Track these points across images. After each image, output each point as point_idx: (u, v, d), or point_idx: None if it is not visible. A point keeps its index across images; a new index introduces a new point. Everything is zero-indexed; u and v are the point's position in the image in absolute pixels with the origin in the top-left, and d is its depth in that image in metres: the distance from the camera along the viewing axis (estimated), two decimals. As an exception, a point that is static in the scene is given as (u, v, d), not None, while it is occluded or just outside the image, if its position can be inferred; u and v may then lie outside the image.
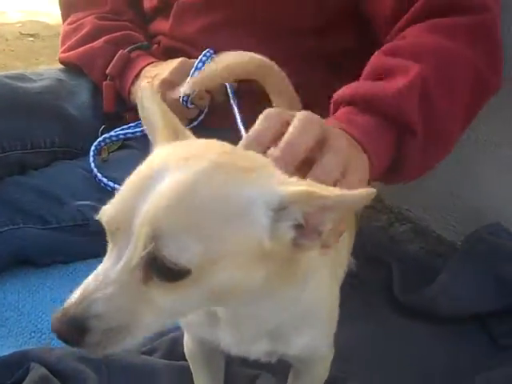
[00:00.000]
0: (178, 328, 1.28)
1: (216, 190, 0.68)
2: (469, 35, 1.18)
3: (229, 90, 1.48)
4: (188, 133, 0.83)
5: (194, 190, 0.67)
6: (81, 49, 1.63)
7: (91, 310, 0.67)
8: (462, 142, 1.62)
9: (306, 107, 1.37)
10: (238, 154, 0.76)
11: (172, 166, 0.69)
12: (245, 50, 1.52)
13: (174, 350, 1.27)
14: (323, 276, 0.91)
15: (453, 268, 1.52)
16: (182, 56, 1.55)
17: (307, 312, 0.90)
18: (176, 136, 0.80)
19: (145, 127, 0.83)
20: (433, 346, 1.41)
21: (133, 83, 1.54)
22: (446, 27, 1.18)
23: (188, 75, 1.47)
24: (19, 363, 1.24)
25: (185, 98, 1.47)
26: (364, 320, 1.47)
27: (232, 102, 1.45)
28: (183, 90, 1.31)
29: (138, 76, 1.54)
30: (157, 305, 0.69)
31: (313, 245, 0.73)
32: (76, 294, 0.69)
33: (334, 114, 1.08)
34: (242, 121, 1.35)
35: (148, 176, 0.70)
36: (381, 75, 1.10)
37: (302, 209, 0.70)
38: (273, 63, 1.22)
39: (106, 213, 0.71)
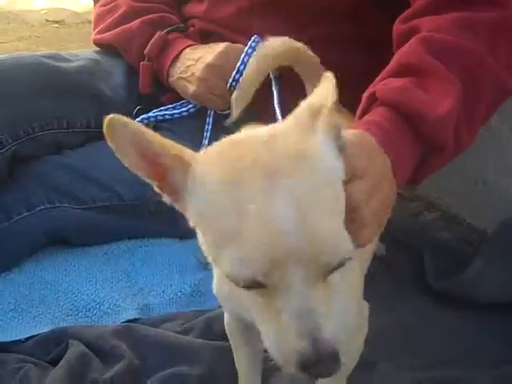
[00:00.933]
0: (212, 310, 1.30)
1: (322, 180, 0.73)
2: (491, 34, 1.17)
3: (271, 75, 1.49)
4: None
5: (317, 191, 0.71)
6: (117, 30, 1.63)
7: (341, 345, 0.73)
8: (491, 130, 1.62)
9: (340, 92, 1.38)
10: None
11: (277, 182, 0.70)
12: (279, 33, 1.53)
13: (209, 329, 1.29)
14: None
15: (486, 255, 1.51)
16: (216, 39, 1.56)
17: None
18: None
19: None
20: (463, 330, 1.40)
21: (172, 65, 1.54)
22: (472, 25, 1.16)
23: (232, 60, 1.47)
24: (58, 340, 1.26)
25: (233, 84, 1.47)
26: (395, 305, 1.47)
27: (273, 86, 1.45)
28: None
29: (177, 58, 1.54)
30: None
31: None
32: (327, 335, 0.71)
33: (366, 108, 1.09)
34: (280, 105, 1.36)
35: (267, 206, 0.69)
36: (419, 74, 1.09)
37: None
38: (303, 48, 1.25)
39: (257, 262, 0.69)
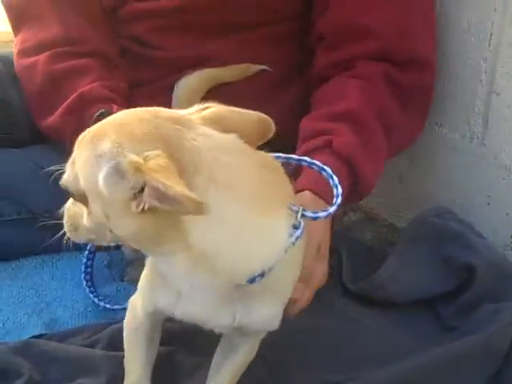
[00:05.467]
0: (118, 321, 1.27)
1: None
2: (408, 97, 1.40)
3: None
4: None
5: None
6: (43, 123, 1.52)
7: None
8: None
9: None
10: None
11: None
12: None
13: (114, 341, 1.25)
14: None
15: (399, 252, 1.51)
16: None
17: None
18: None
19: None
20: (382, 330, 1.40)
21: None
22: (395, 83, 1.38)
23: None
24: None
25: None
26: (314, 309, 1.46)
27: None
28: None
29: None
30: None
31: None
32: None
33: (318, 146, 1.27)
34: None
35: None
36: (360, 126, 1.31)
37: None
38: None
39: None
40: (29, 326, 1.34)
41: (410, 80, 1.39)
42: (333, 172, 1.01)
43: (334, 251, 1.64)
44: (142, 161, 0.75)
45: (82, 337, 1.31)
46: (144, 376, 1.10)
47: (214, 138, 0.82)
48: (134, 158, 0.76)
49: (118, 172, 0.77)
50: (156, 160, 0.75)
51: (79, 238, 0.91)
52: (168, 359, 1.24)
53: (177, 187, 0.72)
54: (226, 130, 0.85)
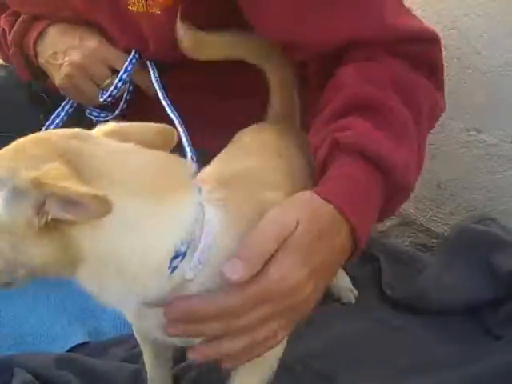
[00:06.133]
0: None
1: None
2: (429, 69, 1.15)
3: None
4: None
5: None
6: None
7: None
8: (446, 133, 1.62)
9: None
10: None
11: None
12: None
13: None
14: None
15: (441, 260, 1.50)
16: None
17: None
18: None
19: None
20: (426, 338, 1.38)
21: (37, 43, 1.39)
22: (414, 61, 1.13)
23: (102, 63, 1.34)
24: (3, 368, 1.22)
25: (108, 99, 1.36)
26: (352, 315, 1.45)
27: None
28: None
29: (42, 35, 1.38)
30: None
31: None
32: None
33: (328, 154, 1.03)
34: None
35: None
36: (370, 110, 1.05)
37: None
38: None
39: None
40: (72, 334, 1.35)
41: (413, 51, 1.15)
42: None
43: (371, 257, 1.65)
44: (39, 174, 0.72)
45: (125, 347, 1.31)
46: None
47: (111, 145, 0.81)
48: (30, 173, 0.72)
49: (16, 193, 0.73)
50: (55, 170, 0.73)
51: None
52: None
53: (80, 188, 0.70)
54: (127, 140, 0.83)
